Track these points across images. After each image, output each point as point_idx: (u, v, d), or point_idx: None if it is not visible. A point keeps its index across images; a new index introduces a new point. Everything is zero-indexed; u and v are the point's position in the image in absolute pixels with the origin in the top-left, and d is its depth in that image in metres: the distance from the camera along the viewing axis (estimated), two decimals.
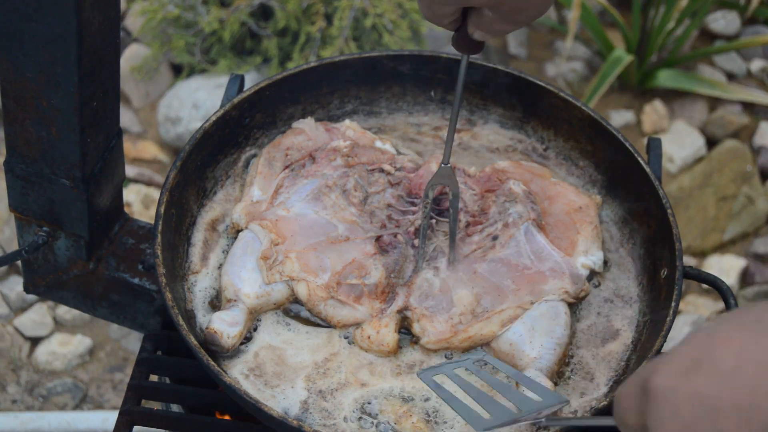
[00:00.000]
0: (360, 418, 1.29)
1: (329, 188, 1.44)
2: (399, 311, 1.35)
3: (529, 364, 1.30)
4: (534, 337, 1.32)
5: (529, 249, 1.40)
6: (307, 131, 1.52)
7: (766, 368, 0.73)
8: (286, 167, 1.48)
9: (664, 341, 1.29)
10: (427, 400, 1.31)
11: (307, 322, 1.37)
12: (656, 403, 0.81)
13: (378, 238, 1.41)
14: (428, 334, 1.33)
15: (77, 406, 2.52)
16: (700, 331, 0.81)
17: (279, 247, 1.37)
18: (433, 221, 1.42)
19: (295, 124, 1.54)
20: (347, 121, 1.56)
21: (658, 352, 1.28)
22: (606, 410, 1.23)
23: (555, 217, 1.46)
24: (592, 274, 1.44)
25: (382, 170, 1.48)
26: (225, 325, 1.30)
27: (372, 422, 1.28)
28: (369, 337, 1.33)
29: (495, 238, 1.41)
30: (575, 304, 1.41)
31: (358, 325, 1.35)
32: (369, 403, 1.30)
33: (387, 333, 1.33)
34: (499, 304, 1.35)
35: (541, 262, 1.39)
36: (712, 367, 0.76)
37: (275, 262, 1.36)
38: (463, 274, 1.38)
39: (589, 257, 1.42)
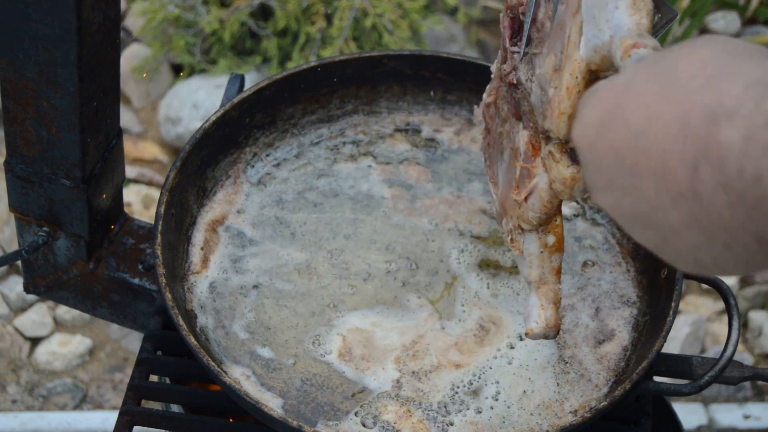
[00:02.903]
0: (457, 398, 1.29)
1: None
2: (545, 138, 1.16)
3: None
4: (599, 20, 1.03)
5: None
6: None
7: (673, 126, 0.72)
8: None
9: (664, 341, 1.29)
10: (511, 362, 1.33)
11: (392, 305, 1.38)
12: (582, 155, 0.82)
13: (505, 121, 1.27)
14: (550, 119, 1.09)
15: (77, 407, 2.51)
16: (618, 79, 0.81)
17: None
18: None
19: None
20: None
21: (659, 352, 1.28)
22: (606, 411, 1.23)
23: None
24: None
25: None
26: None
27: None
28: (553, 184, 1.14)
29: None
30: None
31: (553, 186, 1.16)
32: (473, 382, 1.31)
33: (557, 168, 1.13)
34: (563, 37, 1.10)
35: None
36: (624, 123, 0.76)
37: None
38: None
39: None
